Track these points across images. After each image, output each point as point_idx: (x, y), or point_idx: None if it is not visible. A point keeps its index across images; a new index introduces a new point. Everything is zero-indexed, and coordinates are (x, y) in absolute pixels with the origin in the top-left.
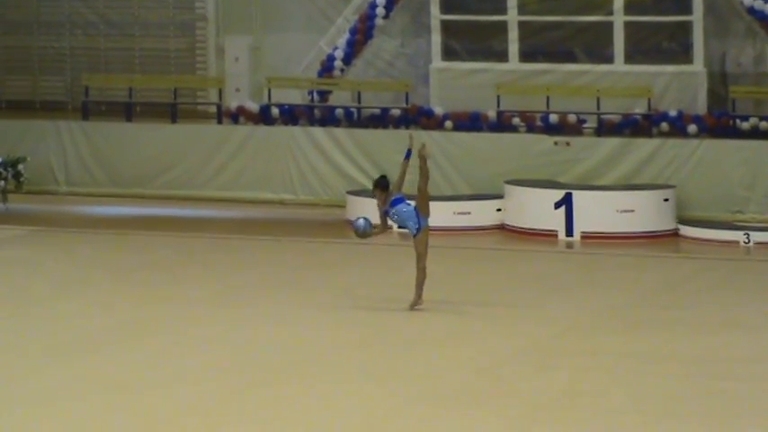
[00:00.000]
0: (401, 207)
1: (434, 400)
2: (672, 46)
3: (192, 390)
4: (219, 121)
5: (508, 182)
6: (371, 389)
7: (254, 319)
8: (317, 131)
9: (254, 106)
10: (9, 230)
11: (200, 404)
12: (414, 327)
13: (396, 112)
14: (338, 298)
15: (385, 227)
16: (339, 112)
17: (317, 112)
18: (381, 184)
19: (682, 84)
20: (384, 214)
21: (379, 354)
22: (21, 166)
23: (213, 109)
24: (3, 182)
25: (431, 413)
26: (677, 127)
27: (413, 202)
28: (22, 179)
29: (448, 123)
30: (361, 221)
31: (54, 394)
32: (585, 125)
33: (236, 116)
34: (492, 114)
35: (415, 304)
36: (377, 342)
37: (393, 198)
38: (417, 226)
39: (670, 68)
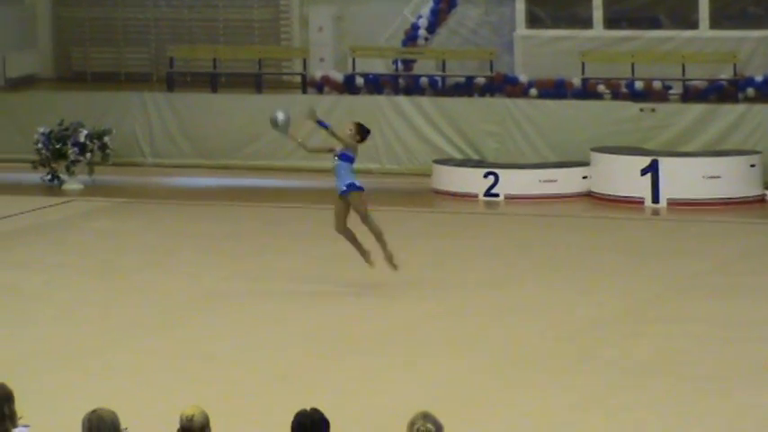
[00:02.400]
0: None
1: (521, 367)
2: (757, 11)
3: (277, 359)
4: (304, 91)
5: (594, 149)
6: (457, 358)
7: (337, 290)
8: (402, 100)
9: (338, 76)
10: (95, 202)
11: (286, 374)
12: (499, 295)
13: (480, 80)
14: (422, 268)
15: (308, 146)
16: (424, 80)
17: (401, 81)
18: (363, 130)
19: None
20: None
21: (464, 323)
22: (106, 139)
23: (298, 79)
24: (89, 154)
25: (517, 381)
26: (763, 92)
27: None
28: (107, 151)
29: (532, 91)
30: (281, 115)
31: (142, 365)
32: (671, 91)
33: (321, 86)
34: (577, 81)
35: (391, 257)
36: (462, 312)
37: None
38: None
39: (756, 33)
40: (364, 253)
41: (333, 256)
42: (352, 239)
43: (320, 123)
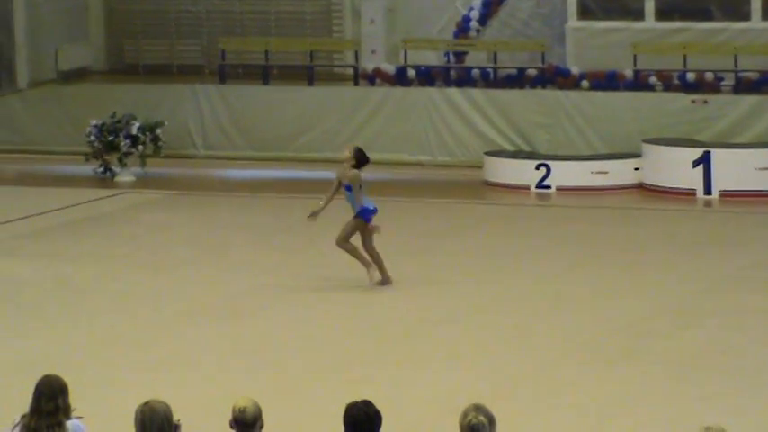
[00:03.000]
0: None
1: (578, 357)
2: None
3: (330, 351)
4: (356, 83)
5: (646, 141)
6: (506, 350)
7: (393, 280)
8: (454, 92)
9: (390, 68)
10: (147, 195)
11: (339, 365)
12: (555, 286)
13: (532, 71)
14: (477, 260)
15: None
16: (475, 72)
17: (453, 72)
18: (359, 156)
19: None
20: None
21: (514, 315)
22: (159, 131)
23: (349, 71)
24: (141, 146)
25: (574, 371)
26: None
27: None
28: (160, 143)
29: (584, 83)
30: None
31: (195, 357)
32: (722, 83)
33: (373, 78)
34: (628, 73)
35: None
36: (518, 302)
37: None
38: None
39: None
40: (368, 266)
41: (384, 247)
42: (353, 251)
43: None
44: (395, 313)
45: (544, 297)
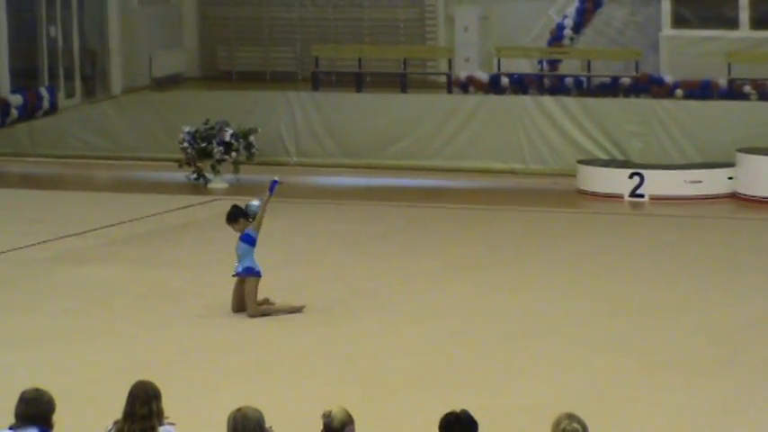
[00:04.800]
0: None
1: (667, 368)
2: None
3: (422, 359)
4: (449, 91)
5: (740, 150)
6: (602, 358)
7: (480, 290)
8: (547, 100)
9: (483, 76)
10: (241, 201)
11: (431, 374)
12: (646, 295)
13: (626, 80)
14: (568, 268)
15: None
16: (569, 80)
17: (546, 80)
18: (231, 216)
19: None
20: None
21: (609, 323)
22: (252, 138)
23: (443, 79)
24: (234, 153)
25: (663, 382)
26: None
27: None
28: (253, 150)
29: (678, 92)
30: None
31: (288, 364)
32: None
33: (466, 86)
34: (722, 82)
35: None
36: (610, 311)
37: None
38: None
39: None
40: (293, 309)
41: (477, 255)
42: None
43: (273, 183)
44: (488, 321)
45: (639, 306)
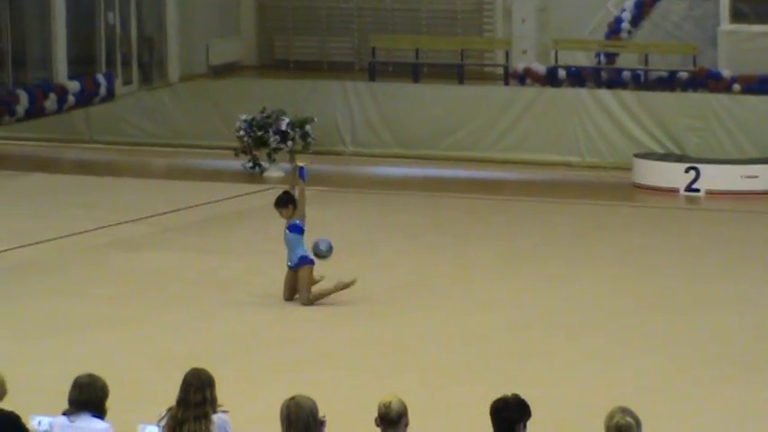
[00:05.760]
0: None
1: (718, 364)
2: None
3: (476, 350)
4: (506, 83)
5: None
6: (654, 353)
7: (534, 283)
8: (604, 94)
9: (540, 68)
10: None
11: (484, 364)
12: (695, 291)
13: (683, 74)
14: (620, 261)
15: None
16: (626, 74)
17: (603, 74)
18: (282, 201)
19: None
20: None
21: (661, 318)
22: (308, 127)
23: (500, 70)
24: (290, 142)
25: (713, 378)
26: None
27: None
28: (309, 139)
29: (736, 86)
30: (324, 245)
31: (341, 354)
32: None
33: (523, 78)
34: None
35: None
36: (660, 306)
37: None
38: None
39: None
40: (345, 286)
41: (531, 247)
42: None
43: (301, 170)
44: (540, 313)
45: (693, 299)
